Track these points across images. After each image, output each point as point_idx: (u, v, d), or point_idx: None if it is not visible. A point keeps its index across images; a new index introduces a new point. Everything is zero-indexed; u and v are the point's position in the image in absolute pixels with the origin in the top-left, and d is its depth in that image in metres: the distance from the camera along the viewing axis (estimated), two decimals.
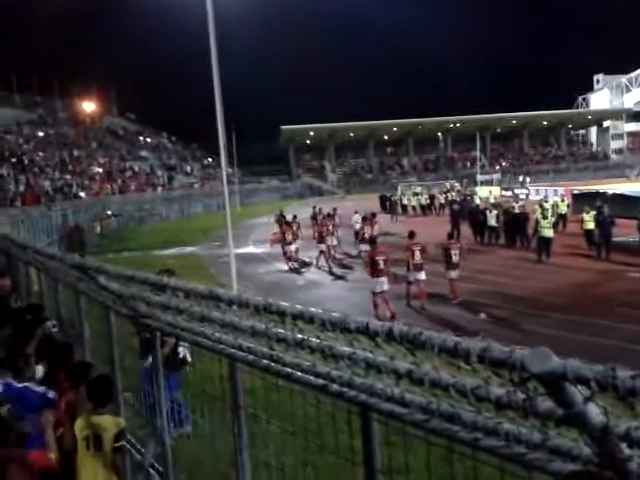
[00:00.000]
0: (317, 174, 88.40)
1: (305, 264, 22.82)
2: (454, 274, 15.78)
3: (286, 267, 22.42)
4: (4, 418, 4.23)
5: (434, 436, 2.11)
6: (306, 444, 3.07)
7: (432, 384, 1.88)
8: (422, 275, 15.22)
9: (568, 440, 1.69)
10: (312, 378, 2.57)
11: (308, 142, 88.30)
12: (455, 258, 15.80)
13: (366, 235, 21.28)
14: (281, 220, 26.45)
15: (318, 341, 2.17)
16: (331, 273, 20.84)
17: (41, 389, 4.73)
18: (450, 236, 16.53)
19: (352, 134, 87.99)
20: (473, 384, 1.75)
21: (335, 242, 23.77)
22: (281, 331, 2.32)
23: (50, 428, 4.55)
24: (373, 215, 25.76)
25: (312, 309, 2.11)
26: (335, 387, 2.48)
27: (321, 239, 22.22)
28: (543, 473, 1.78)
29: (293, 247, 22.84)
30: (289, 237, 22.86)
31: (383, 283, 14.04)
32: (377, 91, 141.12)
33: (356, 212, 28.29)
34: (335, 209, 28.56)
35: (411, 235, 15.99)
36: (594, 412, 1.48)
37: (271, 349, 2.62)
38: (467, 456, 2.11)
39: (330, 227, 23.50)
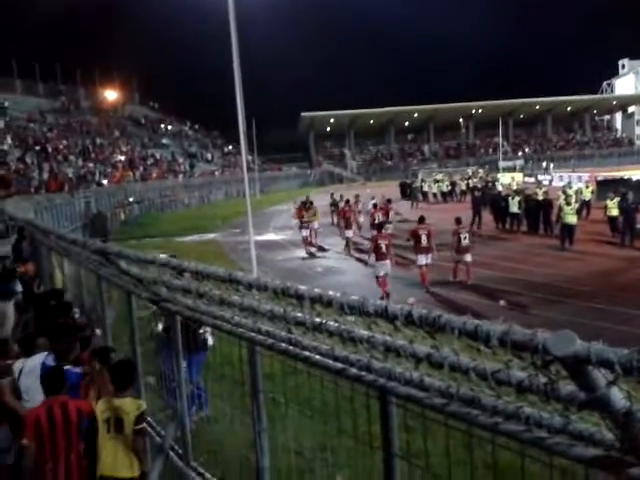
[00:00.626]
0: (337, 161, 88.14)
1: (322, 249, 23.25)
2: (468, 258, 15.96)
3: (305, 254, 22.48)
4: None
5: (453, 420, 2.10)
6: (324, 428, 3.08)
7: (452, 368, 1.86)
8: (429, 259, 15.60)
9: (590, 425, 1.67)
10: (330, 362, 2.56)
11: (328, 129, 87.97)
12: (465, 242, 15.96)
13: (376, 221, 21.44)
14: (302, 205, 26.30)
15: (336, 325, 2.16)
16: (354, 259, 20.92)
17: (79, 369, 4.87)
18: (458, 221, 16.57)
19: (372, 121, 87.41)
20: (494, 367, 1.73)
21: (356, 229, 24.04)
22: (299, 315, 2.32)
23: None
24: (388, 201, 25.83)
25: (330, 292, 2.11)
26: (353, 371, 2.47)
27: (347, 225, 22.63)
28: (564, 458, 1.76)
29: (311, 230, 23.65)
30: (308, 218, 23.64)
31: (385, 266, 14.47)
32: (398, 77, 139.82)
33: (372, 198, 28.24)
34: (357, 195, 28.68)
35: (420, 220, 16.31)
36: (617, 396, 1.45)
37: (289, 332, 2.62)
38: (487, 440, 2.09)
39: (353, 214, 23.82)
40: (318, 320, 2.29)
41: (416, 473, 2.47)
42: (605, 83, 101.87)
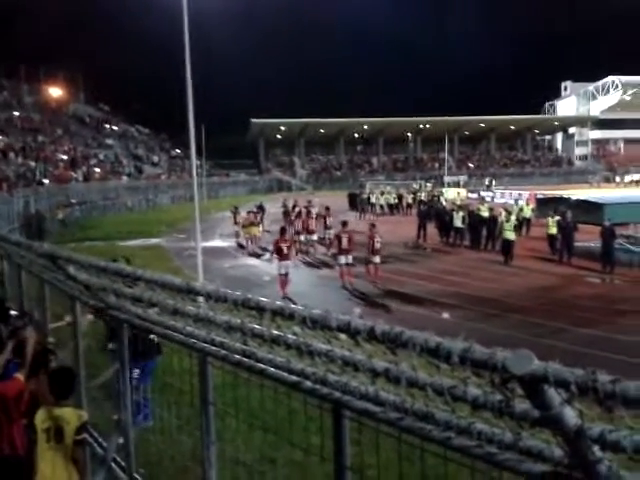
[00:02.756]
0: (286, 169, 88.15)
1: (265, 250, 23.91)
2: (377, 260, 17.93)
3: (252, 262, 22.43)
4: None
5: (407, 435, 2.13)
6: (275, 440, 3.06)
7: (409, 383, 1.90)
8: (349, 258, 17.66)
9: (540, 441, 1.72)
10: (285, 374, 2.56)
11: (278, 136, 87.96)
12: (377, 246, 17.90)
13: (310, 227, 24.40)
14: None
15: (295, 338, 2.16)
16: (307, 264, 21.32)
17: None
18: (373, 226, 18.65)
19: (323, 130, 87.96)
20: (450, 383, 1.77)
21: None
22: (257, 327, 2.31)
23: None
24: (327, 209, 26.94)
25: (292, 305, 2.10)
26: (308, 384, 2.48)
27: (309, 231, 24.38)
28: (514, 473, 1.81)
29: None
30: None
31: (287, 267, 16.68)
32: (348, 89, 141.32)
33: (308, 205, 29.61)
34: (310, 201, 29.40)
35: (344, 224, 18.80)
36: (570, 415, 1.50)
37: (245, 344, 2.60)
38: (439, 455, 2.13)
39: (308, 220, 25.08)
40: (276, 333, 2.28)
41: None
42: (547, 104, 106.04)
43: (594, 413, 1.47)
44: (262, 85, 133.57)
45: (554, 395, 1.46)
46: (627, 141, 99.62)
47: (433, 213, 29.30)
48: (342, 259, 17.69)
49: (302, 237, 24.11)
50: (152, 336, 5.13)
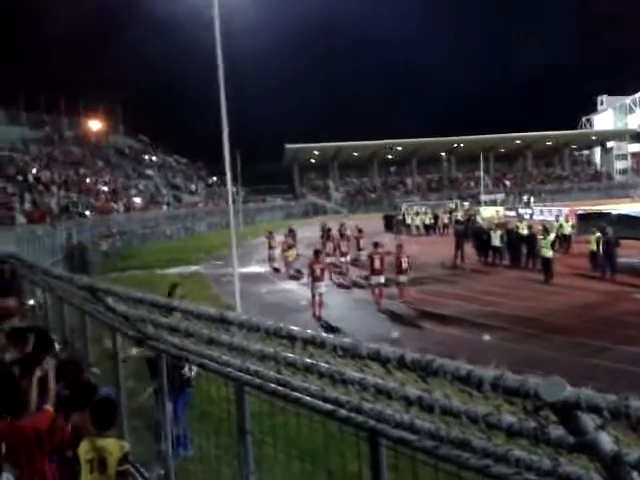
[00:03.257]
0: (321, 193, 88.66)
1: (300, 273, 24.17)
2: (403, 279, 18.37)
3: (289, 286, 22.56)
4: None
5: (444, 462, 2.10)
6: (313, 469, 3.06)
7: (443, 411, 1.88)
8: (381, 279, 17.98)
9: (578, 467, 1.69)
10: (320, 402, 2.56)
11: (312, 161, 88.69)
12: (404, 265, 18.32)
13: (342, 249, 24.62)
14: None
15: (327, 366, 2.17)
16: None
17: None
18: (400, 247, 19.17)
19: (356, 153, 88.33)
20: (485, 411, 1.75)
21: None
22: (290, 355, 2.33)
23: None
24: (360, 231, 27.75)
25: (323, 334, 2.12)
26: (343, 412, 2.48)
27: (343, 253, 24.53)
28: None
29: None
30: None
31: (320, 287, 17.04)
32: (381, 111, 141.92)
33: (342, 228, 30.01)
34: (343, 224, 29.87)
35: (375, 245, 19.06)
36: (606, 440, 1.48)
37: (279, 373, 2.62)
38: None
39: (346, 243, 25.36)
40: (309, 361, 2.30)
41: None
42: (584, 118, 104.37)
43: (630, 439, 1.44)
44: (295, 111, 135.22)
45: (588, 421, 1.44)
46: None
47: (470, 232, 28.97)
48: (374, 280, 18.05)
49: (334, 259, 24.16)
50: (184, 370, 5.20)
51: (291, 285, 22.89)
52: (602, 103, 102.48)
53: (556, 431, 1.62)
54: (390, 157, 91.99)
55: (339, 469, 2.79)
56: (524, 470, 1.83)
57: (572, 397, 1.40)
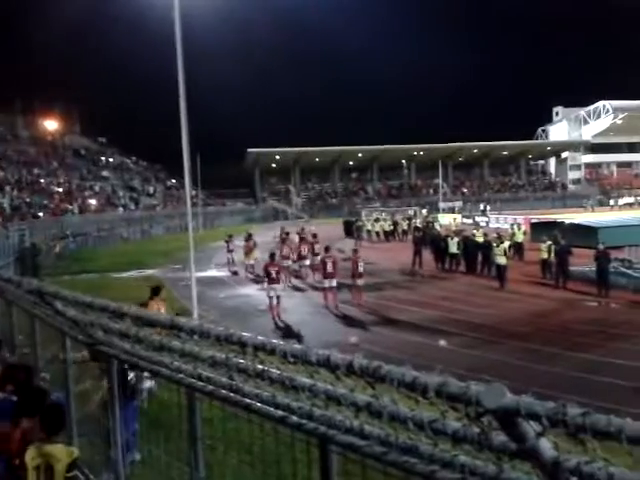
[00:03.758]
0: (282, 198, 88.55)
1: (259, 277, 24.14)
2: (360, 282, 18.87)
3: (247, 291, 22.44)
4: None
5: (392, 468, 2.12)
6: (264, 475, 3.04)
7: (391, 417, 1.90)
8: (333, 282, 18.57)
9: (522, 473, 1.73)
10: (272, 409, 2.56)
11: (274, 165, 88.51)
12: (360, 269, 18.87)
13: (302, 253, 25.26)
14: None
15: (279, 372, 2.17)
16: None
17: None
18: (355, 252, 19.83)
19: (318, 159, 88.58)
20: (430, 417, 1.78)
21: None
22: (242, 361, 2.32)
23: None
24: (314, 236, 27.74)
25: (274, 340, 2.12)
26: (295, 419, 2.48)
27: (301, 257, 25.03)
28: None
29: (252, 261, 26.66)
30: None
31: (277, 290, 17.51)
32: (343, 117, 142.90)
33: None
34: (303, 229, 30.13)
35: (327, 249, 19.93)
36: (546, 446, 1.52)
37: (231, 379, 2.61)
38: None
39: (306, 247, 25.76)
40: (261, 367, 2.29)
41: None
42: (540, 129, 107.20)
43: (569, 445, 1.48)
44: (257, 114, 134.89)
45: (528, 428, 1.48)
46: (619, 164, 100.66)
47: (428, 239, 29.38)
48: (326, 283, 18.69)
49: (290, 262, 24.36)
50: (130, 377, 5.12)
51: (249, 290, 22.76)
52: (557, 114, 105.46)
53: (499, 437, 1.66)
54: (351, 163, 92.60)
55: (290, 475, 2.79)
56: (469, 475, 1.86)
57: (512, 404, 1.44)
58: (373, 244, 41.19)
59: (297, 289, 22.53)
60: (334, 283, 18.64)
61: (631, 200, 76.28)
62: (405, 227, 44.36)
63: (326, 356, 1.88)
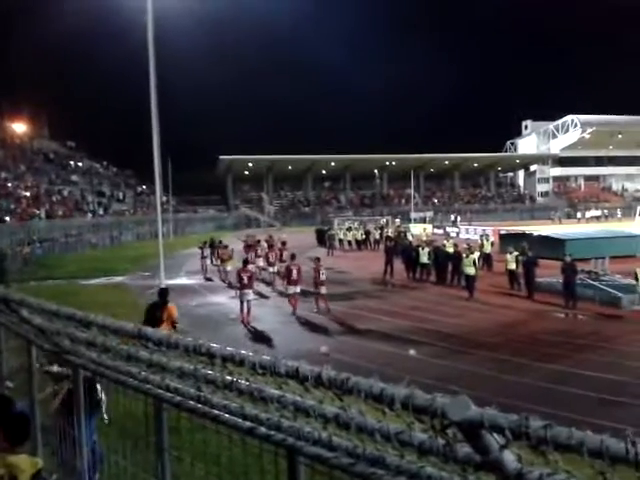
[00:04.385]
0: (254, 205, 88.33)
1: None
2: (323, 290, 19.49)
3: (218, 299, 22.28)
4: None
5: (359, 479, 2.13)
6: None
7: (358, 428, 1.92)
8: (297, 289, 19.27)
9: None
10: (240, 420, 2.55)
11: (246, 173, 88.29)
12: (322, 277, 19.47)
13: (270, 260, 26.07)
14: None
15: (247, 383, 2.17)
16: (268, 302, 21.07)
17: None
18: (318, 260, 20.42)
19: (290, 167, 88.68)
20: (397, 429, 1.79)
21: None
22: (210, 372, 2.31)
23: None
24: (283, 244, 27.97)
25: (243, 352, 2.12)
26: (263, 430, 2.47)
27: (269, 263, 25.91)
28: None
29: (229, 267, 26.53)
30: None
31: (248, 295, 17.99)
32: (316, 126, 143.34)
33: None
34: (271, 236, 30.67)
35: (292, 257, 20.75)
36: (509, 459, 1.54)
37: (199, 390, 2.59)
38: None
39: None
40: (229, 378, 2.29)
41: None
42: (509, 142, 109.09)
43: (532, 457, 1.51)
44: (230, 121, 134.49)
45: (492, 440, 1.50)
46: (587, 178, 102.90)
47: (400, 249, 29.59)
48: (291, 289, 19.35)
49: (254, 268, 24.82)
50: (98, 389, 5.05)
51: (221, 298, 22.60)
52: (526, 128, 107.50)
53: (464, 449, 1.68)
54: (324, 172, 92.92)
55: None
56: None
57: (476, 417, 1.46)
58: (345, 253, 41.34)
59: (263, 296, 22.56)
60: (298, 290, 19.33)
61: (598, 213, 77.96)
62: (377, 236, 44.63)
63: (295, 368, 1.88)
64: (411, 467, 1.94)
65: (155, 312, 11.04)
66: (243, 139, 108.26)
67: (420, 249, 26.73)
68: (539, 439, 1.39)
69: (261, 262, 27.03)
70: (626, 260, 26.21)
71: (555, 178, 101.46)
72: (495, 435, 1.49)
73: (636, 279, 18.56)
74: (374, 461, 2.03)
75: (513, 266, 22.53)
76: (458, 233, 51.88)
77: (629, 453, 1.31)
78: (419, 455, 1.85)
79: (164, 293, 11.39)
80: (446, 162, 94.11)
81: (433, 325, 17.01)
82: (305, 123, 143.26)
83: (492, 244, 30.42)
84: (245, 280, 17.91)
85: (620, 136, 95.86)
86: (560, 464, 1.46)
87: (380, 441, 1.92)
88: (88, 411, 4.23)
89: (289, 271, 19.59)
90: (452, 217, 71.71)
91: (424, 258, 26.25)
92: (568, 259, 19.77)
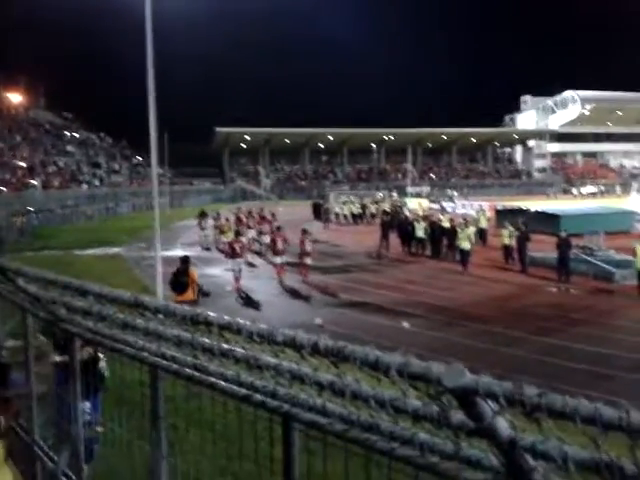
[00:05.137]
0: (251, 178, 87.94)
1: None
2: (308, 261, 20.35)
3: (214, 271, 22.33)
4: None
5: (353, 445, 2.16)
6: (226, 452, 3.06)
7: (353, 395, 1.93)
8: (283, 259, 20.04)
9: (479, 451, 1.78)
10: (236, 387, 2.57)
11: (243, 146, 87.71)
12: (308, 248, 20.21)
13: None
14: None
15: (244, 351, 2.18)
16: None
17: None
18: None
19: (288, 140, 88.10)
20: (392, 396, 1.81)
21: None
22: (207, 341, 2.32)
23: None
24: (272, 215, 29.67)
25: (240, 320, 2.12)
26: (258, 397, 2.49)
27: (262, 233, 27.03)
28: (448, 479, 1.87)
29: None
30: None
31: (240, 264, 18.97)
32: (314, 99, 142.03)
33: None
34: (262, 209, 32.33)
35: (278, 229, 21.65)
36: (503, 426, 1.56)
37: (195, 358, 2.61)
38: (384, 465, 2.17)
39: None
40: (226, 347, 2.30)
41: None
42: (508, 117, 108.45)
43: (525, 424, 1.53)
44: (228, 94, 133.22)
45: (486, 407, 1.52)
46: (584, 154, 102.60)
47: (396, 223, 29.59)
48: (277, 259, 20.08)
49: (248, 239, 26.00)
50: (101, 365, 5.07)
51: (217, 270, 22.62)
52: (525, 103, 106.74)
53: (457, 416, 1.70)
54: (321, 146, 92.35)
55: (252, 451, 2.82)
56: (428, 452, 1.91)
57: (471, 384, 1.47)
58: (341, 227, 41.32)
59: (254, 266, 23.22)
60: (281, 260, 20.02)
61: (594, 189, 77.96)
62: (373, 210, 44.53)
63: (292, 336, 1.89)
64: (405, 433, 1.96)
65: (180, 279, 12.52)
66: (241, 111, 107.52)
67: (416, 223, 26.77)
68: (533, 406, 1.40)
69: (252, 234, 27.69)
70: (620, 236, 26.31)
71: (553, 154, 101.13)
72: (489, 402, 1.51)
73: (635, 255, 18.48)
74: (368, 427, 2.06)
75: (508, 241, 22.62)
76: (454, 208, 51.83)
77: (622, 420, 1.32)
78: (413, 422, 1.88)
79: (186, 260, 12.91)
80: (444, 137, 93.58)
81: (428, 298, 17.11)
82: (303, 96, 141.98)
83: (488, 219, 30.44)
84: (237, 249, 18.97)
85: (620, 113, 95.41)
86: (553, 431, 1.48)
87: (374, 408, 1.94)
88: (93, 386, 4.27)
89: (274, 242, 20.45)
90: (449, 192, 71.60)
91: (420, 232, 26.29)
92: (563, 234, 19.81)
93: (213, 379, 2.67)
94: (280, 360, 2.08)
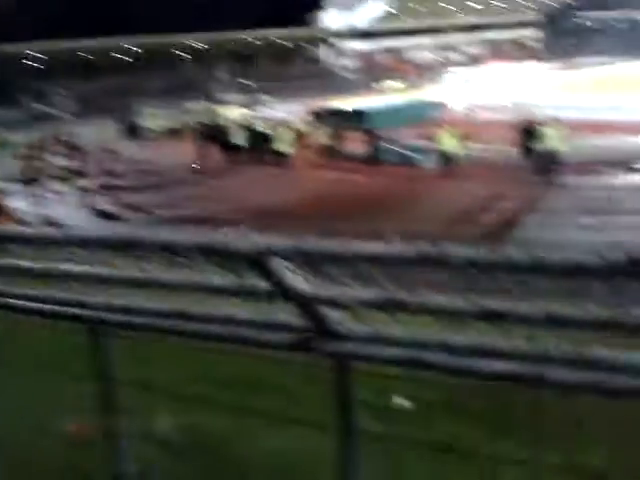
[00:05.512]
0: (43, 99, 79.42)
1: None
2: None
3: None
4: None
5: (169, 335, 2.18)
6: (40, 376, 2.94)
7: (158, 285, 1.93)
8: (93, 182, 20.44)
9: (282, 313, 1.90)
10: (41, 305, 2.43)
11: (29, 64, 78.18)
12: None
13: None
14: None
15: (31, 264, 2.05)
16: None
17: None
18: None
19: (84, 54, 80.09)
20: (195, 277, 1.84)
21: None
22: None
23: None
24: None
25: (24, 229, 1.98)
26: (67, 310, 2.39)
27: None
28: (259, 347, 1.98)
29: None
30: None
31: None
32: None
33: None
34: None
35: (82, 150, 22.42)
36: (300, 282, 1.67)
37: None
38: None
39: None
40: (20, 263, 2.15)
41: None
42: (311, 15, 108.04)
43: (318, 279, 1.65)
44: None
45: (281, 267, 1.60)
46: (390, 50, 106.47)
47: (213, 133, 28.84)
48: (85, 183, 20.51)
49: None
50: None
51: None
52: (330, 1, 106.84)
53: (261, 284, 1.77)
54: (125, 58, 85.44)
55: (65, 370, 2.73)
56: (235, 325, 1.99)
57: (264, 247, 1.54)
58: (157, 143, 39.44)
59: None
60: (92, 183, 20.41)
61: (400, 85, 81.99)
62: (190, 123, 42.87)
63: (80, 235, 1.82)
64: (217, 312, 2.02)
65: None
66: (29, 24, 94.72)
67: (234, 131, 26.39)
68: (320, 256, 1.51)
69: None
70: (423, 125, 28.33)
71: (358, 52, 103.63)
72: (284, 262, 1.59)
73: (435, 141, 20.11)
74: (180, 315, 2.08)
75: (325, 140, 23.44)
76: (269, 113, 51.66)
77: None
78: (222, 297, 1.94)
79: None
80: (250, 40, 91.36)
81: (252, 204, 17.28)
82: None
83: (307, 123, 30.88)
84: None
85: (423, 9, 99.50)
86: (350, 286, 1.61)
87: (186, 294, 1.96)
88: None
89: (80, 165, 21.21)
90: (262, 97, 70.95)
91: (239, 140, 26.02)
92: (370, 129, 20.90)
93: (17, 301, 2.51)
94: (74, 265, 1.99)
